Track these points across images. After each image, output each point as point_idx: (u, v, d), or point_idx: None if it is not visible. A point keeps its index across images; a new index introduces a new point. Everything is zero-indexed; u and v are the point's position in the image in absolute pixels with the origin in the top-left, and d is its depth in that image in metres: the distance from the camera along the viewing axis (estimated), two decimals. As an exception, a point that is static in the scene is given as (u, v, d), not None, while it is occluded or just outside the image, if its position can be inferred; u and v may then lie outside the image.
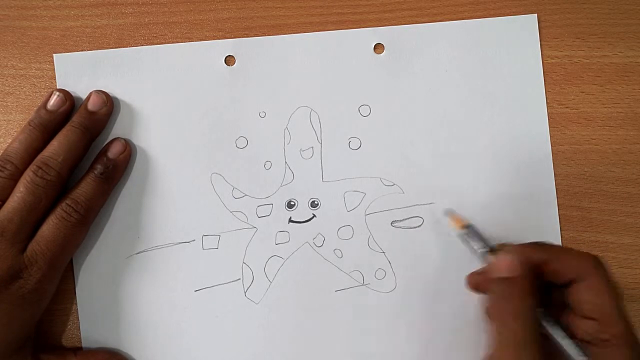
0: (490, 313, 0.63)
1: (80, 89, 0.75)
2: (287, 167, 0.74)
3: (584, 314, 0.61)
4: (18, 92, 0.76)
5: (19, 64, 0.76)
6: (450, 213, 0.73)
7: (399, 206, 0.74)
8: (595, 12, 0.77)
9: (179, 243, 0.74)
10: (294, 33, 0.76)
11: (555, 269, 0.62)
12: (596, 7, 0.77)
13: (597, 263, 0.61)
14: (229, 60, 0.75)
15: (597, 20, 0.77)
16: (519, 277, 0.61)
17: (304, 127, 0.75)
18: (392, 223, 0.74)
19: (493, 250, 0.67)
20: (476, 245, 0.69)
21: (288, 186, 0.74)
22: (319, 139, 0.75)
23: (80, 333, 0.74)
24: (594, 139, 0.76)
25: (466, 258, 0.73)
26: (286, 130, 0.75)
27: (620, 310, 0.60)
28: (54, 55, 0.75)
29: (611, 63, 0.76)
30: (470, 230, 0.70)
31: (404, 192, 0.74)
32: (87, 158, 0.73)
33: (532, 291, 0.61)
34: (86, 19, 0.76)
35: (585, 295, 0.61)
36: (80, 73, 0.75)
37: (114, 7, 0.76)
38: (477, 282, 0.70)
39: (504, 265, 0.62)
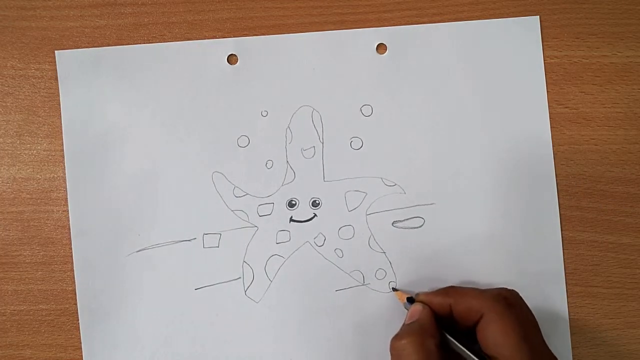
0: (390, 348, 0.65)
1: (82, 86, 0.75)
2: (288, 166, 0.74)
3: (489, 353, 0.62)
4: (17, 93, 0.76)
5: (19, 64, 0.76)
6: (395, 291, 0.74)
7: (400, 206, 0.74)
8: (595, 12, 0.77)
9: (180, 241, 0.74)
10: (293, 33, 0.76)
11: (459, 311, 0.65)
12: (596, 7, 0.77)
13: (495, 300, 0.63)
14: (232, 59, 0.75)
15: (596, 20, 0.77)
16: (416, 321, 0.66)
17: (306, 126, 0.75)
18: (393, 223, 0.74)
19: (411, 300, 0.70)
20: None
21: (289, 185, 0.74)
22: (321, 139, 0.74)
23: (80, 333, 0.74)
24: (594, 139, 0.76)
25: (467, 259, 0.73)
26: (288, 130, 0.75)
27: (523, 347, 0.61)
28: (56, 52, 0.75)
29: (610, 63, 0.76)
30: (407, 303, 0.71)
31: (405, 193, 0.74)
32: (89, 158, 0.74)
33: (428, 333, 0.64)
34: (86, 19, 0.76)
35: (486, 334, 0.62)
36: (81, 70, 0.75)
37: (113, 7, 0.76)
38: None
39: (409, 313, 0.68)
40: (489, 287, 0.69)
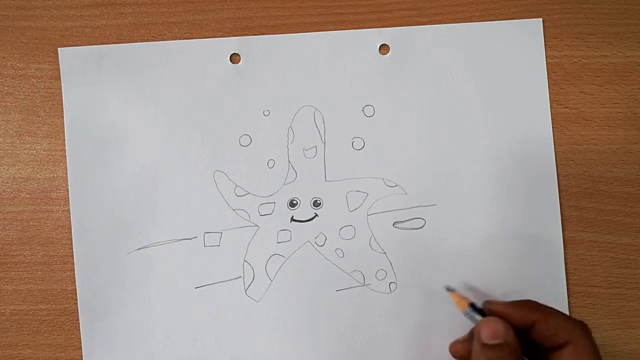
0: None
1: (84, 83, 0.75)
2: (290, 165, 0.74)
3: None
4: (17, 92, 0.76)
5: (18, 64, 0.76)
6: (451, 292, 0.72)
7: (401, 207, 0.75)
8: (595, 12, 0.77)
9: (181, 240, 0.74)
10: (294, 33, 0.76)
11: (543, 331, 0.62)
12: (595, 7, 0.77)
13: (583, 330, 0.61)
14: (235, 58, 0.75)
15: (596, 20, 0.77)
16: (505, 344, 0.61)
17: (308, 126, 0.75)
18: (394, 224, 0.74)
19: (481, 311, 0.67)
20: (477, 318, 0.67)
21: (291, 185, 0.75)
22: (323, 139, 0.75)
23: (80, 332, 0.74)
24: (593, 139, 0.76)
25: (468, 261, 0.73)
26: (290, 129, 0.75)
27: None
28: (59, 49, 0.75)
29: (610, 63, 0.77)
30: (471, 309, 0.68)
31: (406, 194, 0.75)
32: (91, 155, 0.74)
33: (519, 356, 0.61)
34: (85, 19, 0.76)
35: (577, 358, 0.61)
36: (84, 67, 0.75)
37: (113, 7, 0.76)
38: (459, 351, 0.68)
39: (490, 330, 0.62)
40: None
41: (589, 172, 0.76)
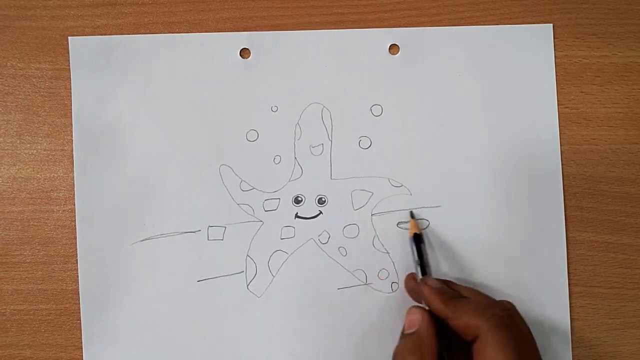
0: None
1: (93, 74, 0.75)
2: (296, 162, 0.75)
3: None
4: (17, 92, 0.76)
5: (19, 64, 0.77)
6: (412, 218, 0.75)
7: (406, 207, 0.75)
8: (595, 12, 0.78)
9: (185, 232, 0.74)
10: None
11: (455, 326, 0.64)
12: (596, 7, 0.78)
13: (493, 325, 0.62)
14: (244, 53, 0.76)
15: (596, 20, 0.78)
16: (417, 334, 0.65)
17: (315, 123, 0.75)
18: (398, 224, 0.75)
19: (424, 271, 0.71)
20: (414, 256, 0.72)
21: (296, 182, 0.75)
22: (330, 136, 0.75)
23: (81, 333, 0.74)
24: (594, 139, 0.77)
25: (471, 262, 0.74)
26: (297, 126, 0.75)
27: None
28: (69, 38, 0.76)
29: (610, 63, 0.77)
30: (415, 239, 0.72)
31: (411, 194, 0.75)
32: (98, 146, 0.74)
33: (428, 351, 0.63)
34: (86, 19, 0.77)
35: (482, 357, 0.61)
36: (94, 58, 0.75)
37: (113, 7, 0.77)
38: (410, 287, 0.73)
39: (408, 320, 0.67)
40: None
41: (590, 172, 0.76)
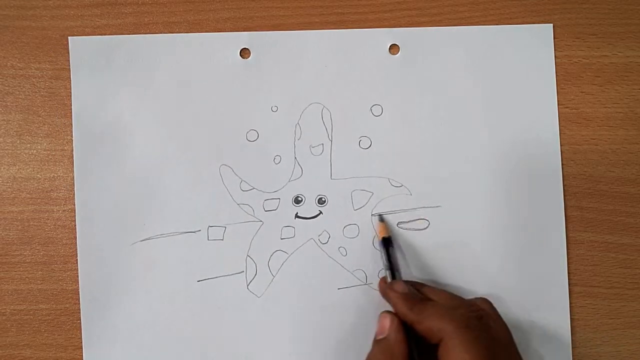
0: None
1: (93, 73, 0.75)
2: (296, 162, 0.75)
3: None
4: (17, 92, 0.76)
5: (19, 64, 0.77)
6: (380, 222, 0.75)
7: (406, 208, 0.75)
8: (595, 12, 0.78)
9: (185, 232, 0.74)
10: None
11: (420, 330, 0.64)
12: (596, 7, 0.78)
13: (456, 329, 0.62)
14: (244, 53, 0.76)
15: (596, 20, 0.78)
16: (386, 340, 0.66)
17: (315, 123, 0.75)
18: (397, 224, 0.75)
19: (393, 273, 0.71)
20: (383, 260, 0.72)
21: (296, 182, 0.75)
22: (330, 136, 0.75)
23: (81, 332, 0.74)
24: (594, 139, 0.77)
25: (471, 262, 0.74)
26: (297, 126, 0.75)
27: None
28: (69, 38, 0.76)
29: (611, 63, 0.77)
30: (384, 243, 0.73)
31: (411, 194, 0.75)
32: (98, 145, 0.75)
33: (398, 356, 0.64)
34: (86, 19, 0.77)
35: (447, 358, 0.61)
36: (94, 58, 0.75)
37: (113, 7, 0.77)
38: (382, 292, 0.73)
39: (379, 326, 0.68)
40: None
41: (590, 172, 0.76)
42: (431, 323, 0.63)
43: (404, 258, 0.75)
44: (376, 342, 0.67)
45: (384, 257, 0.72)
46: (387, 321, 0.66)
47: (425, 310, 0.65)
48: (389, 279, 0.70)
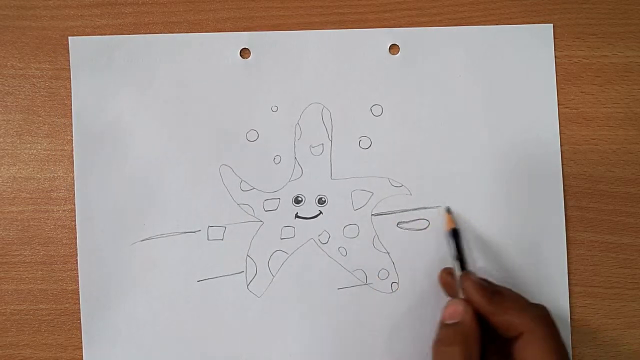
0: (433, 352, 0.65)
1: (93, 73, 0.75)
2: (296, 162, 0.75)
3: None
4: (17, 92, 0.76)
5: (19, 64, 0.76)
6: (448, 213, 0.75)
7: (406, 208, 0.75)
8: (595, 12, 0.78)
9: (185, 232, 0.74)
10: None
11: (498, 322, 0.64)
12: (596, 7, 0.78)
13: (536, 323, 0.63)
14: (244, 53, 0.76)
15: (596, 20, 0.78)
16: (460, 324, 0.65)
17: (316, 123, 0.75)
18: (398, 224, 0.75)
19: (463, 266, 0.70)
20: (452, 251, 0.71)
21: (296, 182, 0.75)
22: (330, 136, 0.75)
23: (81, 333, 0.74)
24: (594, 139, 0.77)
25: (469, 262, 0.73)
26: (297, 126, 0.75)
27: None
28: (69, 38, 0.76)
29: (611, 63, 0.77)
30: (453, 234, 0.72)
31: (411, 194, 0.75)
32: (98, 145, 0.75)
33: (473, 341, 0.64)
34: (86, 19, 0.76)
35: (525, 355, 0.62)
36: (94, 58, 0.75)
37: (113, 7, 0.77)
38: (446, 282, 0.73)
39: (449, 311, 0.67)
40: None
41: (590, 172, 0.76)
42: (511, 317, 0.63)
43: (405, 258, 0.75)
44: (446, 325, 0.66)
45: (453, 248, 0.71)
46: (461, 307, 0.66)
47: (504, 302, 0.65)
48: (457, 270, 0.70)
